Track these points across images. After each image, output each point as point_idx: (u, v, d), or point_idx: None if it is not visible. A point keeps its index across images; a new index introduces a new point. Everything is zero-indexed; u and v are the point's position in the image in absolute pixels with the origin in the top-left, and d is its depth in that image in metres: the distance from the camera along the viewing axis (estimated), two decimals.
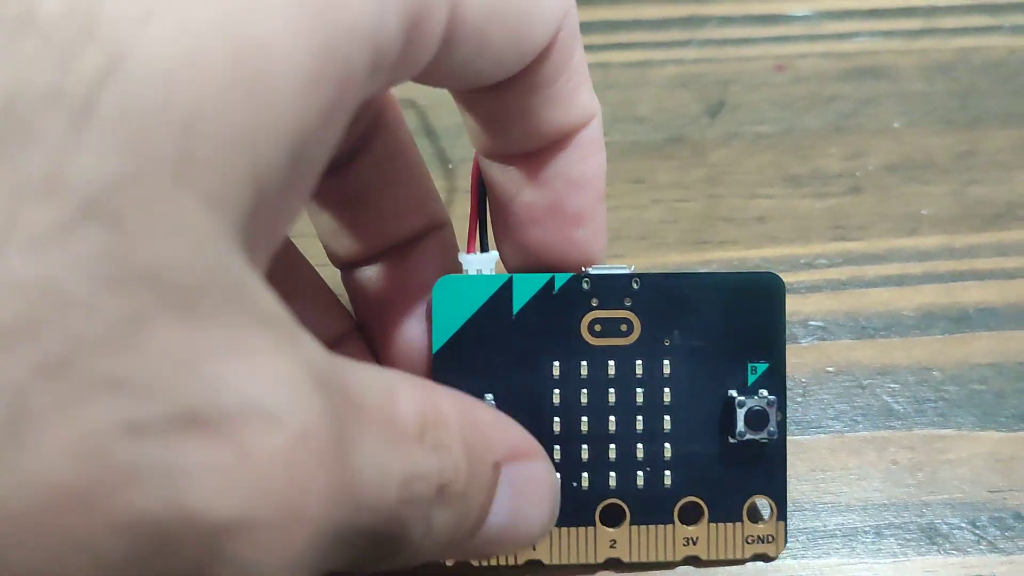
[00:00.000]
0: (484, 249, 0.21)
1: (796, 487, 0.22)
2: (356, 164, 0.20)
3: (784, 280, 0.20)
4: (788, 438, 0.21)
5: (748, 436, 0.20)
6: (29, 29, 0.11)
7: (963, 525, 0.22)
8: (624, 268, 0.20)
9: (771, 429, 0.20)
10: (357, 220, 0.21)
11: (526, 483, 0.17)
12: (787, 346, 0.21)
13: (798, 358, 0.25)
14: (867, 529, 0.22)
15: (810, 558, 0.22)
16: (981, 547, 0.22)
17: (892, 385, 0.25)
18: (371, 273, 0.21)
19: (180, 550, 0.11)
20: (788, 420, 0.23)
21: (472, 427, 0.16)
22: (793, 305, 0.26)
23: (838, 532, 0.22)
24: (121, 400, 0.11)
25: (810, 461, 0.23)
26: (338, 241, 0.21)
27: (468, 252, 0.21)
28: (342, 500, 0.13)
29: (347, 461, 0.13)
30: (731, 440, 0.20)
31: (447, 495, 0.15)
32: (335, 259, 0.22)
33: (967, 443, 0.23)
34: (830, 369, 0.25)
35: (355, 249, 0.21)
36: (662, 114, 0.30)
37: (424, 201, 0.21)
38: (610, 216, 0.28)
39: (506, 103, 0.18)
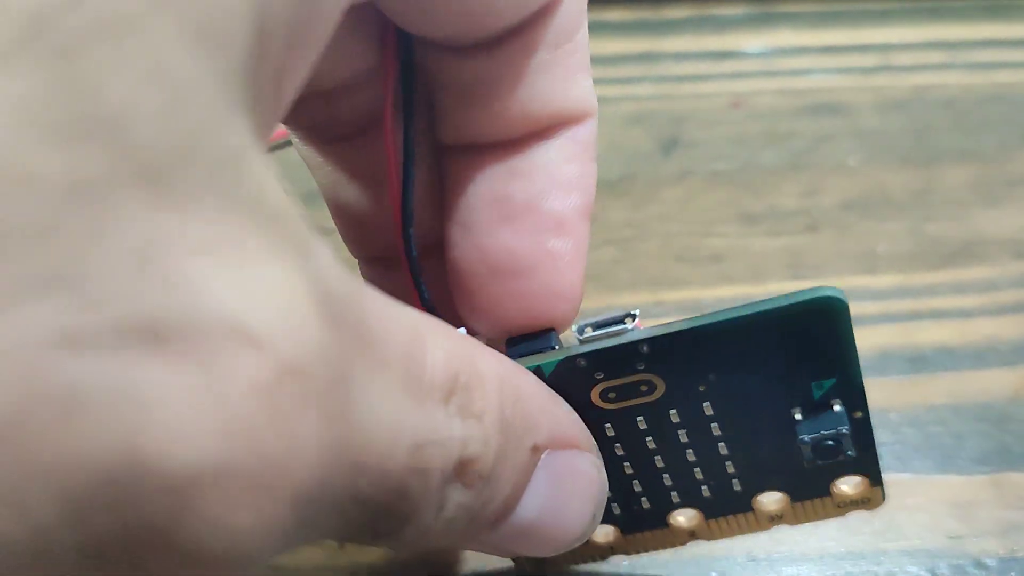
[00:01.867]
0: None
1: (750, 537, 0.21)
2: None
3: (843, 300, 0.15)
4: None
5: (821, 463, 0.17)
6: None
7: (922, 574, 0.21)
8: (621, 322, 0.16)
9: (849, 453, 0.17)
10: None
11: (568, 475, 0.15)
12: None
13: None
14: None
15: None
16: None
17: None
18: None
19: (130, 508, 0.08)
20: None
21: (515, 400, 0.14)
22: None
23: None
24: (58, 303, 0.08)
25: None
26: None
27: None
28: (337, 457, 0.10)
29: (349, 410, 0.10)
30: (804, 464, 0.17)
31: (468, 473, 0.13)
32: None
33: (925, 488, 0.23)
34: None
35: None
36: (615, 151, 0.30)
37: None
38: None
39: (495, 68, 0.16)
